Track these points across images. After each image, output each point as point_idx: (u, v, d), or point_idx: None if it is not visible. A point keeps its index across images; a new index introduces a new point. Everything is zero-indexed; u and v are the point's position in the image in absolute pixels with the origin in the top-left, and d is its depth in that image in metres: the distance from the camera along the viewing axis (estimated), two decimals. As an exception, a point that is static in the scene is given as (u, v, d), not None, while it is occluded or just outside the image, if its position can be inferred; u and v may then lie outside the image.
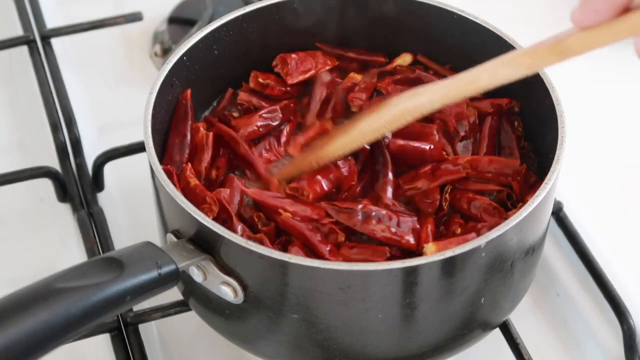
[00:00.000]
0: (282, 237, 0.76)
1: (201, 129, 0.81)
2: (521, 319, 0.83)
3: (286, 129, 0.84)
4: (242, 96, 0.85)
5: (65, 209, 0.94)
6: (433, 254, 0.68)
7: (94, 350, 0.83)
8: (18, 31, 1.07)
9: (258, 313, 0.72)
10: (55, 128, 0.96)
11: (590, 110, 1.03)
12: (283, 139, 0.83)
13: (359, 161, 0.81)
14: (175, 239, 0.73)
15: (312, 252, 0.74)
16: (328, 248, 0.73)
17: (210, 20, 0.87)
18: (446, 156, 0.80)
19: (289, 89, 0.86)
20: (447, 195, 0.78)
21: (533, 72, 0.72)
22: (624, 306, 0.84)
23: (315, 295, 0.69)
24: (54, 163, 0.95)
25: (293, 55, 0.86)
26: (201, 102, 0.85)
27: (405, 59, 0.88)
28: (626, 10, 0.63)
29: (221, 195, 0.76)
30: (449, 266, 0.69)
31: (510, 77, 0.71)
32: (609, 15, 0.63)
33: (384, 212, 0.75)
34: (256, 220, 0.76)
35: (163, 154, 0.80)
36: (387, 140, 0.80)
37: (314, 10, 0.87)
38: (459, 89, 0.74)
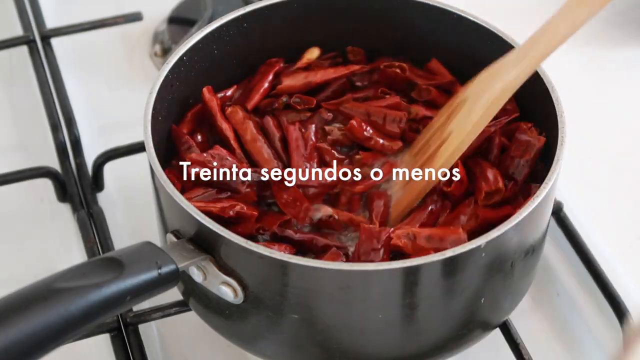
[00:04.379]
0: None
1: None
2: (521, 319, 0.83)
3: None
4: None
5: (65, 209, 0.94)
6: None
7: (94, 350, 0.83)
8: (18, 31, 1.07)
9: (258, 313, 0.72)
10: (55, 128, 0.96)
11: (590, 110, 1.03)
12: None
13: None
14: (175, 239, 0.73)
15: None
16: None
17: (210, 20, 0.87)
18: None
19: None
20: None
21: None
22: (624, 306, 0.84)
23: (315, 295, 0.69)
24: (54, 163, 0.95)
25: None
26: (200, 102, 0.85)
27: (313, 53, 0.88)
28: None
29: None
30: (449, 266, 0.69)
31: (587, 17, 0.70)
32: None
33: None
34: None
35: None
36: None
37: (314, 10, 0.87)
38: (541, 50, 0.73)
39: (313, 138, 0.81)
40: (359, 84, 0.87)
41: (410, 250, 0.72)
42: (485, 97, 0.76)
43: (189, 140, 0.81)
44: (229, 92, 0.86)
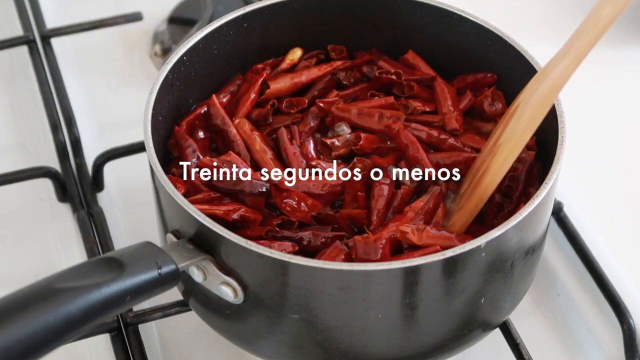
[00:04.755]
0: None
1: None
2: (521, 319, 0.83)
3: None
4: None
5: (65, 209, 0.94)
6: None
7: (94, 350, 0.83)
8: (18, 31, 1.07)
9: (258, 313, 0.72)
10: (55, 128, 0.96)
11: (590, 110, 1.03)
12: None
13: None
14: (175, 239, 0.73)
15: None
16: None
17: (210, 20, 0.87)
18: None
19: None
20: None
21: None
22: (624, 306, 0.84)
23: (315, 295, 0.69)
24: (54, 163, 0.95)
25: None
26: (200, 102, 0.85)
27: (296, 53, 0.88)
28: None
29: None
30: (449, 266, 0.69)
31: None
32: None
33: None
34: None
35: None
36: None
37: (314, 10, 0.87)
38: (584, 41, 0.72)
39: (313, 153, 0.81)
40: (345, 82, 0.87)
41: (416, 240, 0.72)
42: (532, 99, 0.74)
43: (192, 144, 0.81)
44: (224, 99, 0.86)
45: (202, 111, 0.84)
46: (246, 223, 0.76)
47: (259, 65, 0.87)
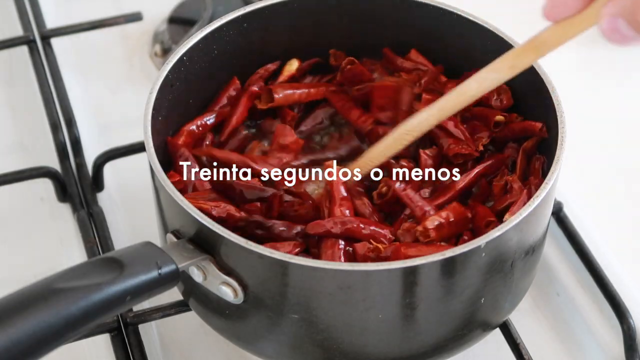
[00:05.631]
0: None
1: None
2: (521, 319, 0.83)
3: None
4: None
5: (65, 209, 0.94)
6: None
7: (94, 350, 0.83)
8: (18, 31, 1.07)
9: (258, 313, 0.72)
10: (55, 128, 0.96)
11: (590, 110, 1.03)
12: None
13: None
14: (175, 239, 0.73)
15: None
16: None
17: (210, 20, 0.87)
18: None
19: None
20: None
21: (516, 72, 0.74)
22: (624, 306, 0.84)
23: (315, 295, 0.69)
24: (54, 163, 0.95)
25: None
26: (200, 102, 0.85)
27: (293, 65, 0.88)
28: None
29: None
30: (449, 266, 0.69)
31: (496, 81, 0.74)
32: (577, 8, 0.66)
33: None
34: None
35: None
36: None
37: (314, 11, 0.87)
38: (452, 102, 0.76)
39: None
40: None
41: (437, 238, 0.75)
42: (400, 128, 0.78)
43: (185, 152, 0.80)
44: (211, 120, 0.85)
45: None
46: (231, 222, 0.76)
47: (253, 82, 0.87)
